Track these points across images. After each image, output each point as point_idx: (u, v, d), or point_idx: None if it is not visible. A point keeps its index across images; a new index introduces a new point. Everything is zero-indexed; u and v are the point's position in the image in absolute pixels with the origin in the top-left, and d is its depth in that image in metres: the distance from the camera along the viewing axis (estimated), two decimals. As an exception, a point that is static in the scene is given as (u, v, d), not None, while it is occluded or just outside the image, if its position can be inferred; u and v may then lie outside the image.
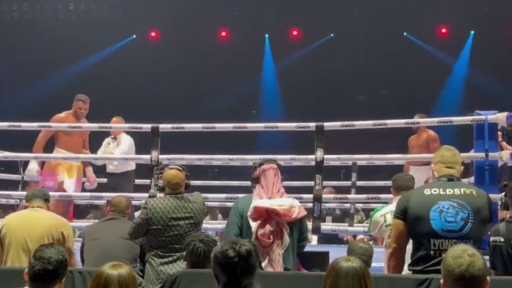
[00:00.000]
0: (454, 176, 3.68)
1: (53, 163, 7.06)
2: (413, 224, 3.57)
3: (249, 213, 4.43)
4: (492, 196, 4.48)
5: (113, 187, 7.29)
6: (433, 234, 3.49)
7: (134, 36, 16.72)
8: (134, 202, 7.28)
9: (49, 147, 7.33)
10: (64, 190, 6.93)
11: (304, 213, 4.55)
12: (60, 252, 3.22)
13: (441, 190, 3.59)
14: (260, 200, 4.46)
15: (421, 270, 3.51)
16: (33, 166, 7.15)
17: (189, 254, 4.01)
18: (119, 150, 7.56)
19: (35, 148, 7.06)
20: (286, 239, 4.42)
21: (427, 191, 3.62)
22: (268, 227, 4.39)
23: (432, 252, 3.48)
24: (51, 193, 5.14)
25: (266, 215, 4.41)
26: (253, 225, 4.40)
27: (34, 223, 4.46)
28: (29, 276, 3.16)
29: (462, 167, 3.83)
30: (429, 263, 3.48)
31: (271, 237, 4.38)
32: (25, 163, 7.37)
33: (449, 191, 3.58)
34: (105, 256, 4.20)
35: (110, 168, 7.76)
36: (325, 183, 6.04)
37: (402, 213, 3.63)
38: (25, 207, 4.84)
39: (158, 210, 4.58)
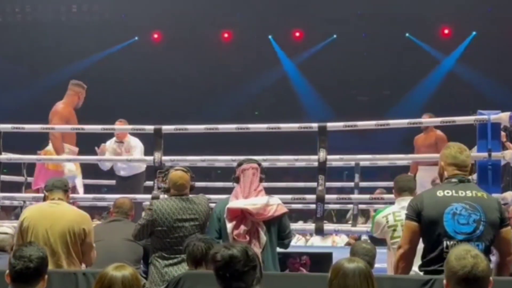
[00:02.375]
0: (465, 178, 3.66)
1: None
2: (427, 226, 3.55)
3: (224, 215, 4.47)
4: (495, 195, 4.49)
5: (123, 190, 7.09)
6: (446, 236, 3.48)
7: (136, 38, 16.74)
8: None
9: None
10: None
11: (282, 211, 4.54)
12: (40, 249, 3.17)
13: (453, 192, 3.57)
14: (235, 201, 4.50)
15: (432, 270, 3.50)
16: (71, 166, 6.85)
17: (189, 254, 4.04)
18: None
19: (60, 148, 6.82)
20: (263, 237, 4.43)
21: (439, 193, 3.59)
22: (242, 227, 4.41)
23: (444, 254, 3.46)
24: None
25: (241, 215, 4.44)
26: (229, 226, 4.44)
27: (56, 217, 4.38)
28: (11, 277, 3.10)
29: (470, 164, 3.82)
30: (441, 264, 3.47)
31: (247, 236, 4.40)
32: (28, 165, 7.36)
33: (461, 193, 3.56)
34: (109, 258, 4.20)
35: (122, 173, 7.68)
36: (328, 184, 6.03)
37: (416, 215, 3.59)
38: (45, 197, 4.67)
39: (164, 212, 4.58)
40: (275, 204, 4.51)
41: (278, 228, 4.53)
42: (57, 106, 7.07)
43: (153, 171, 6.16)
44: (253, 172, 4.58)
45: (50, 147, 6.96)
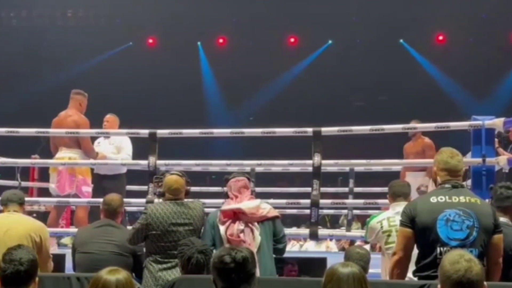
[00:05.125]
0: (458, 183, 3.67)
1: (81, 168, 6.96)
2: (421, 232, 3.56)
3: (217, 220, 4.52)
4: (489, 201, 4.49)
5: (106, 190, 6.73)
6: (439, 242, 3.49)
7: (131, 43, 16.73)
8: (131, 208, 7.29)
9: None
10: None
11: (274, 213, 4.60)
12: (30, 252, 3.17)
13: (447, 197, 3.57)
14: (227, 205, 4.58)
15: (426, 276, 3.50)
16: None
17: (186, 264, 4.00)
18: (125, 154, 7.30)
19: (94, 153, 6.98)
20: (258, 237, 4.46)
21: (433, 199, 3.60)
22: (236, 226, 4.47)
23: (438, 260, 3.46)
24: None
25: (233, 216, 4.50)
26: (222, 228, 4.49)
27: (13, 226, 4.44)
28: (2, 281, 3.08)
29: (463, 169, 3.83)
30: (435, 270, 3.46)
31: (241, 235, 4.44)
32: (22, 169, 7.33)
33: (455, 198, 3.56)
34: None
35: (103, 171, 7.34)
36: (322, 189, 6.04)
37: (410, 221, 3.60)
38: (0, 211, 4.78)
39: (158, 215, 4.58)
40: (268, 208, 4.60)
41: (273, 231, 4.57)
42: (73, 116, 6.98)
43: (143, 175, 6.15)
44: (240, 184, 4.65)
45: (69, 154, 6.91)
